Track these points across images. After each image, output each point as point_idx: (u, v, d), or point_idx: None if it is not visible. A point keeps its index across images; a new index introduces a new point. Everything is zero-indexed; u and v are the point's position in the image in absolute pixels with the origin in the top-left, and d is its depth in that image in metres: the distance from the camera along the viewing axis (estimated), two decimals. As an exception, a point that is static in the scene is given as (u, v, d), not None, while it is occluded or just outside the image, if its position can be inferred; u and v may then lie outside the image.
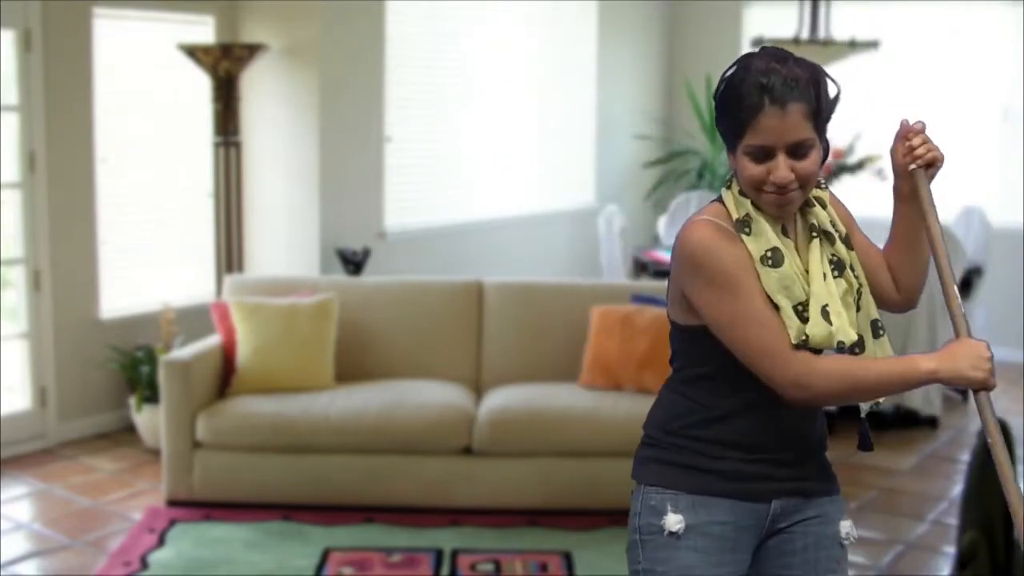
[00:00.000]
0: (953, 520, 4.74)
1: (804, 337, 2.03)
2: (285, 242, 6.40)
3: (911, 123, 2.18)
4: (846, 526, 2.28)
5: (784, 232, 2.11)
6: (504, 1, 7.42)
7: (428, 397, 4.88)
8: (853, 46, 6.50)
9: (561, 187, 8.04)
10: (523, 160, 7.71)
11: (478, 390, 5.17)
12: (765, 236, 2.08)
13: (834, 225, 2.16)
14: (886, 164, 7.31)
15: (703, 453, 2.15)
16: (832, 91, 2.11)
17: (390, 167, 6.71)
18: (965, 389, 2.30)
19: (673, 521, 2.14)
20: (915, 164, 2.14)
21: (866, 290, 2.17)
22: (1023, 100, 7.50)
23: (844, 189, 6.92)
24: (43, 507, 4.92)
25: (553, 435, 4.72)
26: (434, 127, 7.08)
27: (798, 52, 2.09)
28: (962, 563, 2.69)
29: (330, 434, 4.74)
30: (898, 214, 2.21)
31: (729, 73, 2.08)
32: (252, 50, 6.00)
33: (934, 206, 2.14)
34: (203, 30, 6.19)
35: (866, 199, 7.47)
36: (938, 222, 2.13)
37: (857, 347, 2.12)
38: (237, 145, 6.15)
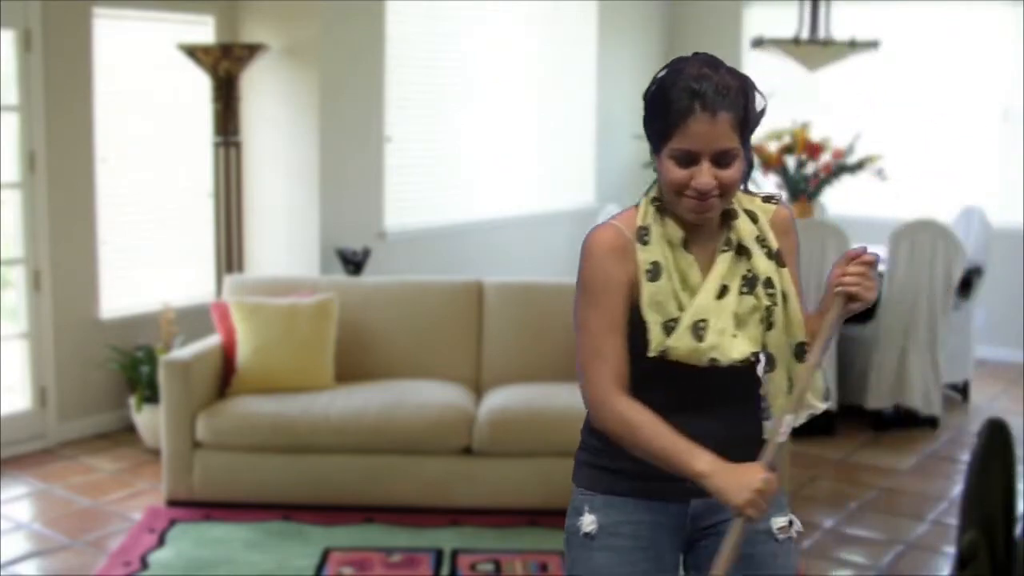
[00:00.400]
0: (953, 520, 4.75)
1: (662, 349, 2.08)
2: (285, 242, 6.40)
3: (864, 253, 2.12)
4: (780, 521, 2.23)
5: (686, 246, 2.12)
6: (504, 1, 7.42)
7: (428, 397, 4.88)
8: (853, 46, 6.50)
9: (561, 187, 8.04)
10: (523, 160, 7.71)
11: (478, 390, 5.17)
12: (657, 248, 2.11)
13: (762, 240, 2.15)
14: (886, 164, 7.34)
15: (613, 454, 2.18)
16: (759, 104, 2.11)
17: (390, 167, 6.70)
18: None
19: (587, 522, 2.19)
20: (840, 289, 2.09)
21: (789, 310, 2.14)
22: (1023, 100, 7.50)
23: (844, 189, 6.93)
24: (43, 507, 4.92)
25: (553, 435, 4.71)
26: (434, 127, 7.08)
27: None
28: (962, 563, 2.69)
29: (330, 434, 4.74)
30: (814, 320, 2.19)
31: (660, 75, 2.10)
32: (252, 50, 6.00)
33: (832, 333, 2.12)
34: (203, 30, 6.19)
35: (866, 199, 7.54)
36: (823, 348, 2.11)
37: (766, 364, 2.14)
38: (237, 145, 6.15)
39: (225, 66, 5.94)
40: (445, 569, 4.27)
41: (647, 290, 2.09)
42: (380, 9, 6.52)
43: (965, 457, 5.52)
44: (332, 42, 6.23)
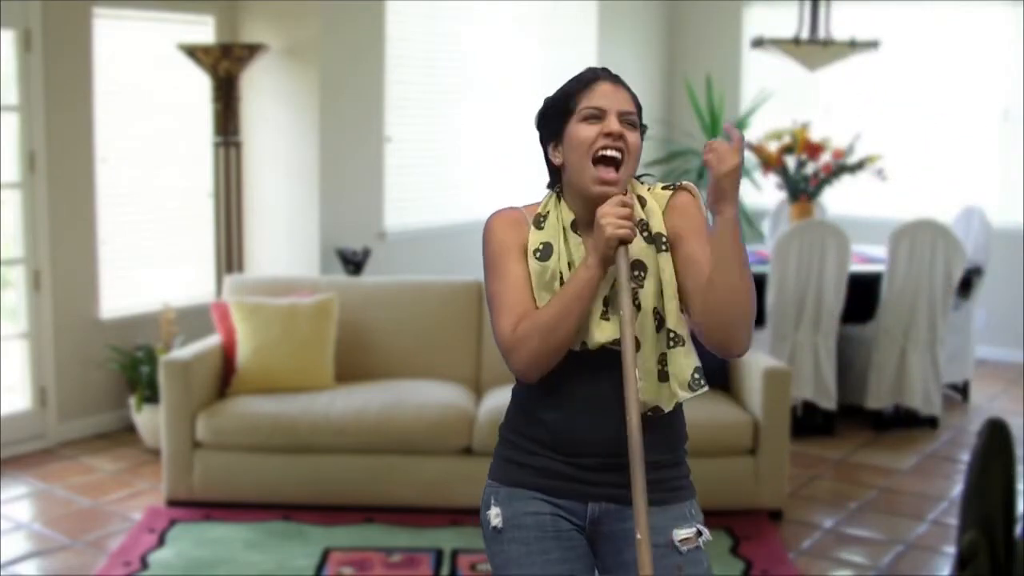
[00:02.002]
0: (953, 520, 4.75)
1: None
2: (285, 242, 6.40)
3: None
4: (683, 533, 2.19)
5: (575, 228, 2.19)
6: (504, 1, 7.42)
7: (428, 397, 4.88)
8: (853, 46, 6.50)
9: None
10: (523, 160, 7.70)
11: (478, 390, 5.17)
12: (550, 231, 2.19)
13: (642, 224, 2.17)
14: (886, 164, 7.34)
15: (521, 448, 2.25)
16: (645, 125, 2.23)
17: (390, 167, 6.71)
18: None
19: (494, 515, 2.25)
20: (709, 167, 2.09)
21: (666, 296, 2.15)
22: (1023, 100, 7.50)
23: (844, 189, 6.93)
24: (43, 507, 4.92)
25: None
26: (434, 127, 7.08)
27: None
28: (962, 563, 2.69)
29: (330, 434, 4.74)
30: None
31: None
32: (252, 50, 6.00)
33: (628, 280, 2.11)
34: (203, 30, 6.19)
35: (866, 199, 7.54)
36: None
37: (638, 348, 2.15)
38: (237, 145, 6.15)
39: (225, 66, 5.95)
40: (445, 569, 4.27)
41: (535, 269, 2.18)
42: (380, 9, 6.52)
43: (965, 457, 5.52)
44: (332, 42, 6.23)
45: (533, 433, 2.24)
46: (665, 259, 2.16)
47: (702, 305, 2.11)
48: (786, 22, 6.86)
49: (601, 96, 2.17)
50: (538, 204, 2.27)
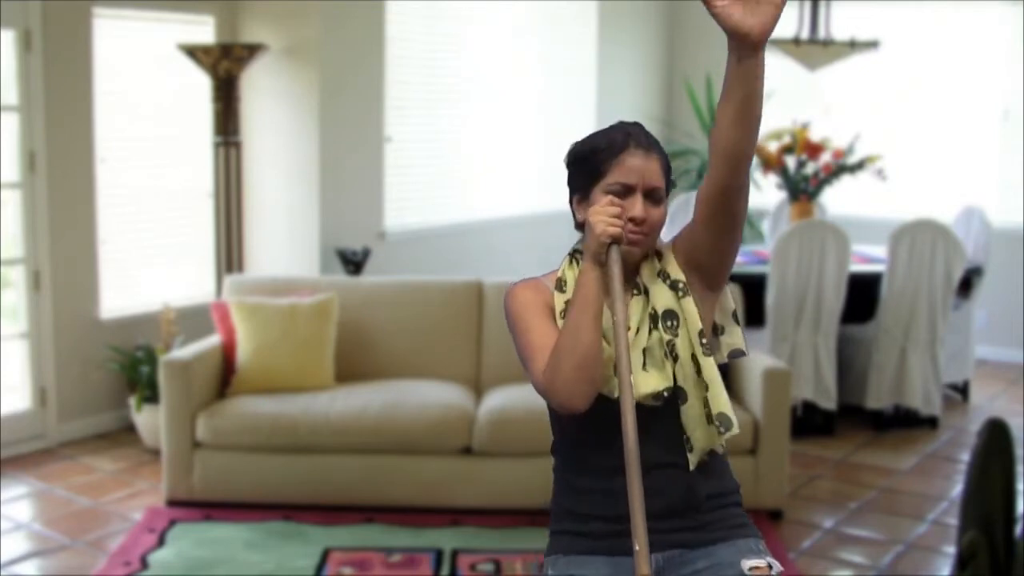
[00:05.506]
0: (953, 520, 4.75)
1: None
2: (285, 242, 6.40)
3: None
4: (751, 563, 2.17)
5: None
6: (504, 1, 7.42)
7: (428, 397, 4.88)
8: (853, 46, 6.50)
9: (561, 187, 8.01)
10: (523, 160, 7.71)
11: (478, 390, 5.17)
12: (571, 292, 2.16)
13: (663, 274, 2.17)
14: (886, 164, 7.33)
15: (575, 519, 2.22)
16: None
17: (390, 167, 6.71)
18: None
19: None
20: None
21: (688, 339, 2.14)
22: (1023, 100, 7.50)
23: (844, 189, 6.93)
24: (43, 507, 4.92)
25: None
26: (434, 127, 7.08)
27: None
28: (962, 563, 2.69)
29: (330, 434, 4.75)
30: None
31: (587, 136, 2.22)
32: (252, 50, 6.00)
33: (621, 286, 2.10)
34: (203, 30, 6.19)
35: (866, 199, 7.54)
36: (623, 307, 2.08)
37: (678, 398, 2.14)
38: (237, 145, 6.15)
39: (225, 66, 5.95)
40: (445, 569, 4.27)
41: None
42: (380, 9, 6.52)
43: (965, 457, 5.52)
44: (332, 42, 6.23)
45: (582, 507, 2.21)
46: (687, 304, 2.16)
47: (717, 146, 2.03)
48: (786, 22, 6.83)
49: (629, 171, 2.12)
50: (555, 272, 2.25)
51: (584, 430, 2.17)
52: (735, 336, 2.24)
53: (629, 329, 2.12)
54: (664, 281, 2.17)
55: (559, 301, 2.19)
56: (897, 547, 4.59)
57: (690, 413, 2.14)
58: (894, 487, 5.29)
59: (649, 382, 2.11)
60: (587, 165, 2.17)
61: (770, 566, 2.17)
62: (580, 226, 2.21)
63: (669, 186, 2.19)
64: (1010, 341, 7.61)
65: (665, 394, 2.13)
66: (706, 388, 2.13)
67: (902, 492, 5.24)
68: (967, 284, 6.41)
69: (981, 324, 7.19)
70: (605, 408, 2.10)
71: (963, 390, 6.71)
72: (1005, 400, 6.72)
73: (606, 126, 2.24)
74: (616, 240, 2.07)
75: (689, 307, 2.15)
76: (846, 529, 4.77)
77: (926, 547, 4.60)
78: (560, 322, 2.15)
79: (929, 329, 6.04)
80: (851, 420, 6.12)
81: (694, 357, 2.13)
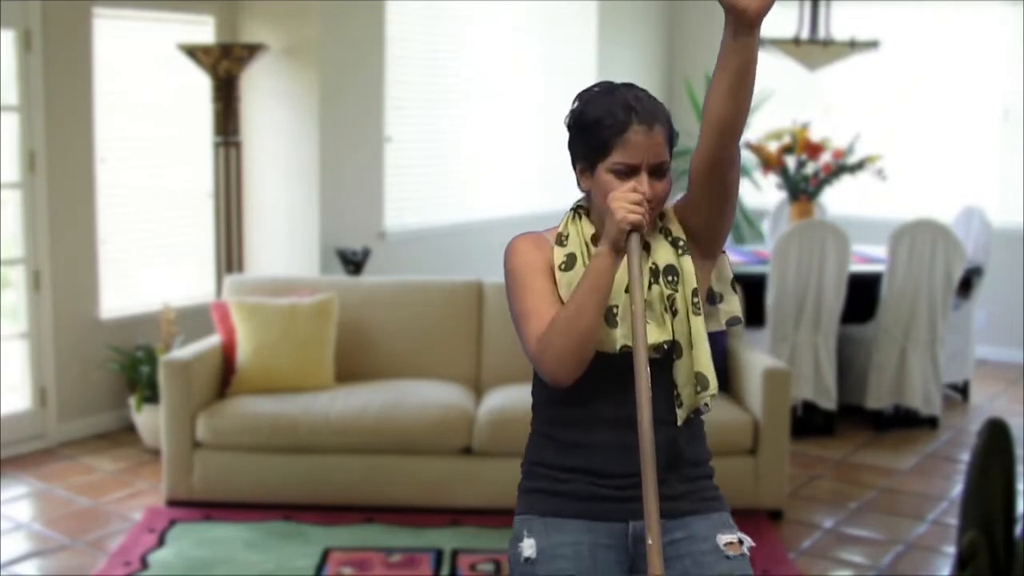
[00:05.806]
0: (953, 520, 4.75)
1: None
2: (285, 242, 6.40)
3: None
4: (727, 537, 2.20)
5: (595, 242, 2.17)
6: (504, 1, 7.42)
7: (428, 397, 4.88)
8: (853, 46, 6.50)
9: (561, 187, 8.00)
10: (523, 160, 7.71)
11: (478, 390, 5.17)
12: (573, 246, 2.18)
13: (664, 231, 2.19)
14: (886, 164, 7.32)
15: (552, 477, 2.22)
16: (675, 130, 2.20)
17: (390, 167, 6.71)
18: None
19: (527, 546, 2.19)
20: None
21: (691, 298, 2.15)
22: (1023, 100, 7.50)
23: (844, 189, 6.93)
24: (43, 507, 4.92)
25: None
26: (434, 127, 7.08)
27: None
28: (962, 563, 2.69)
29: (330, 434, 4.75)
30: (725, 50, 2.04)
31: (590, 94, 2.17)
32: (252, 50, 6.00)
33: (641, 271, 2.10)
34: (203, 30, 6.19)
35: (866, 199, 7.54)
36: (640, 289, 2.08)
37: (673, 352, 2.15)
38: (237, 145, 6.15)
39: (225, 66, 5.95)
40: (445, 569, 4.27)
41: (563, 279, 2.16)
42: (380, 9, 6.52)
43: (965, 457, 5.52)
44: (332, 42, 6.23)
45: (565, 460, 2.21)
46: (687, 261, 2.17)
47: (711, 114, 2.04)
48: (786, 22, 6.85)
49: (634, 149, 2.09)
50: (557, 227, 2.25)
51: (578, 383, 2.14)
52: (733, 304, 2.27)
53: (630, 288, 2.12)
54: (666, 238, 2.19)
55: (559, 255, 2.19)
56: (897, 547, 4.59)
57: (681, 369, 2.17)
58: (894, 487, 5.29)
59: (649, 334, 2.11)
60: (590, 138, 2.14)
61: (741, 541, 2.22)
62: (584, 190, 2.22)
63: (672, 146, 2.17)
64: (1010, 341, 7.61)
65: (665, 347, 2.15)
66: (692, 346, 2.16)
67: (902, 492, 5.24)
68: (967, 284, 6.41)
69: (981, 324, 7.19)
70: (600, 363, 2.12)
71: (963, 390, 6.71)
72: (1005, 400, 6.72)
73: (602, 81, 2.21)
74: (637, 228, 2.06)
75: (687, 265, 2.17)
76: (846, 529, 4.77)
77: (926, 547, 4.60)
78: (558, 274, 2.17)
79: (929, 329, 6.04)
80: (851, 420, 6.12)
81: (688, 314, 2.16)
